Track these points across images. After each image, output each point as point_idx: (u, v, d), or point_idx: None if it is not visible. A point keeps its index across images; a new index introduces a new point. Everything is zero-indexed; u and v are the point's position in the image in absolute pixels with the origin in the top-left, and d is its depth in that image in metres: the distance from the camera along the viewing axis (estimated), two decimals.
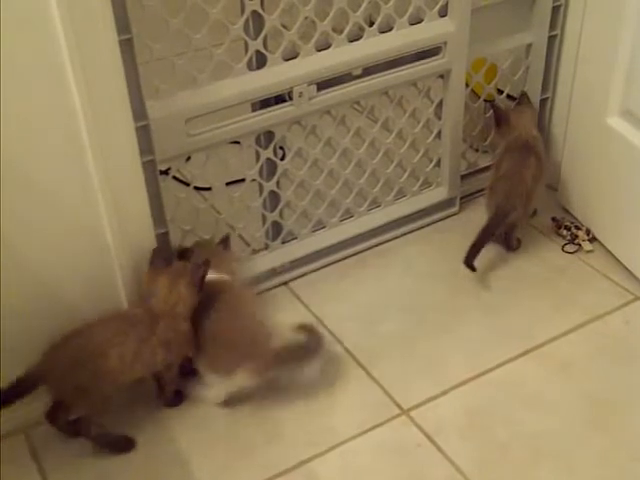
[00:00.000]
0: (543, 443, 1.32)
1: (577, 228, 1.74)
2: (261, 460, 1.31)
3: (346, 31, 1.48)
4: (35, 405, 1.35)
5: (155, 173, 1.37)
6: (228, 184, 1.56)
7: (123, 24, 1.20)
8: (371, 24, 1.51)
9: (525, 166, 1.66)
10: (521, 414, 1.36)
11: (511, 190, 1.64)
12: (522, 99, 1.79)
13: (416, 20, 1.56)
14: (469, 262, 1.60)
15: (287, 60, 1.44)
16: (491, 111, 1.77)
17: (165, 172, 1.43)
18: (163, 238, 1.42)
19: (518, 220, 1.67)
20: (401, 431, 1.34)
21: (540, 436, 1.33)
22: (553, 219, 1.78)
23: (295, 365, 1.37)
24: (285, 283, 1.65)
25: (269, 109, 1.47)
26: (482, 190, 1.75)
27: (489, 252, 1.69)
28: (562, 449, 1.31)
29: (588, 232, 1.73)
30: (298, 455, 1.31)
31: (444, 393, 1.41)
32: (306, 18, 1.43)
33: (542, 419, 1.35)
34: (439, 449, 1.31)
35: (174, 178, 1.45)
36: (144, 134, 1.31)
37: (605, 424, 1.34)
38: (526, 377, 1.43)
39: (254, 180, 1.56)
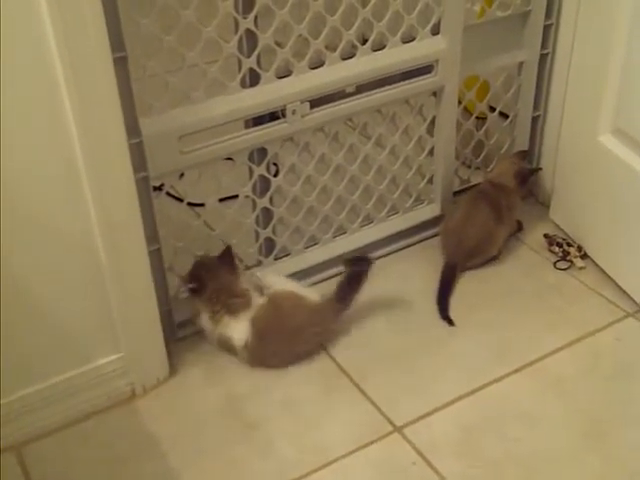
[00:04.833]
0: (537, 460, 1.31)
1: (569, 245, 1.75)
2: (252, 477, 1.30)
3: (339, 49, 1.49)
4: (26, 422, 1.34)
5: (148, 190, 1.37)
6: (221, 200, 1.56)
7: (117, 42, 1.21)
8: (364, 42, 1.52)
9: (474, 223, 1.68)
10: (515, 431, 1.36)
11: (457, 246, 1.69)
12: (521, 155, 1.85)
13: (409, 38, 1.57)
14: (445, 315, 1.59)
15: (280, 78, 1.45)
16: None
17: (158, 188, 1.43)
18: (156, 254, 1.42)
19: (486, 259, 1.71)
20: (393, 448, 1.34)
21: (534, 453, 1.32)
22: (545, 236, 1.78)
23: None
24: None
25: (262, 126, 1.47)
26: None
27: (482, 270, 1.71)
28: (556, 466, 1.30)
29: (580, 249, 1.73)
30: (290, 472, 1.30)
31: (437, 410, 1.41)
32: (299, 36, 1.44)
33: (536, 436, 1.35)
34: (432, 467, 1.30)
35: (167, 194, 1.45)
36: (137, 151, 1.31)
37: (598, 441, 1.34)
38: (519, 394, 1.43)
39: (247, 196, 1.56)
